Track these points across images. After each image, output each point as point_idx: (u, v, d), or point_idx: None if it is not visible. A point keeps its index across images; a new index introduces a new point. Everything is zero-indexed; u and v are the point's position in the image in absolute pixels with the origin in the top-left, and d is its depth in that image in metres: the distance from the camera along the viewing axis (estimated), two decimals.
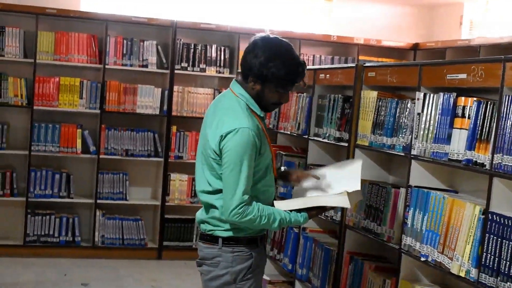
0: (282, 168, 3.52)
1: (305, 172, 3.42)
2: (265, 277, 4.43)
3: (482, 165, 2.86)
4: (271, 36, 3.00)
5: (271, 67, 2.88)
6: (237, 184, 2.88)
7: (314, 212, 3.06)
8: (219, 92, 7.16)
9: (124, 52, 6.93)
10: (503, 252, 2.67)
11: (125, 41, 6.93)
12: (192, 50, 7.12)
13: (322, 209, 3.11)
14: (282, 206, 3.02)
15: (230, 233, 3.02)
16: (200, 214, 3.14)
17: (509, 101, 2.75)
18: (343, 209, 4.06)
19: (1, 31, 6.66)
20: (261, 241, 3.15)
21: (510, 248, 2.65)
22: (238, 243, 3.03)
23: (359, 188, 3.06)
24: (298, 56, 3.03)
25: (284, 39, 3.01)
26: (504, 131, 2.75)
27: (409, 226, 3.33)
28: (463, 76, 3.09)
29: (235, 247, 3.01)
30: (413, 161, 3.33)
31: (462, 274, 2.88)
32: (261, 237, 3.15)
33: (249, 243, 3.05)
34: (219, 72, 7.23)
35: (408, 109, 3.49)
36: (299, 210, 3.01)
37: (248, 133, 2.83)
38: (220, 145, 2.88)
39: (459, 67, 3.16)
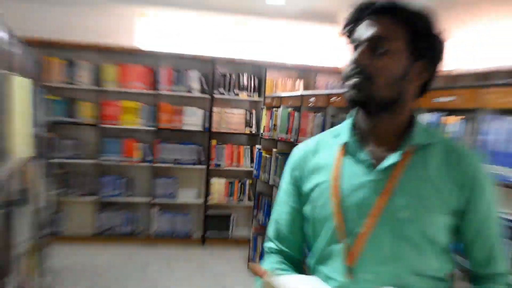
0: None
1: None
2: None
3: None
4: None
5: None
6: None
7: None
8: (250, 113, 7.44)
9: (173, 80, 7.12)
10: None
11: (174, 72, 7.12)
12: (228, 79, 7.30)
13: None
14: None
15: None
16: None
17: (487, 120, 2.53)
18: None
19: (75, 65, 6.83)
20: None
21: None
22: None
23: None
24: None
25: None
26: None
27: None
28: (449, 99, 2.87)
29: None
30: None
31: None
32: None
33: None
34: (250, 96, 7.39)
35: None
36: None
37: (294, 150, 1.76)
38: None
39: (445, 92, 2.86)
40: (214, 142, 7.34)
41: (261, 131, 6.53)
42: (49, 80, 6.77)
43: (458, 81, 5.70)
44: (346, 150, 1.59)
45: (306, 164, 1.65)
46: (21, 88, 2.36)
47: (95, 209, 7.14)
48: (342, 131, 1.63)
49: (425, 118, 2.96)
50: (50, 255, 5.49)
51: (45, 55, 6.79)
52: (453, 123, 2.87)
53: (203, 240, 7.39)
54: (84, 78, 6.95)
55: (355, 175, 1.54)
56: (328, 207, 1.54)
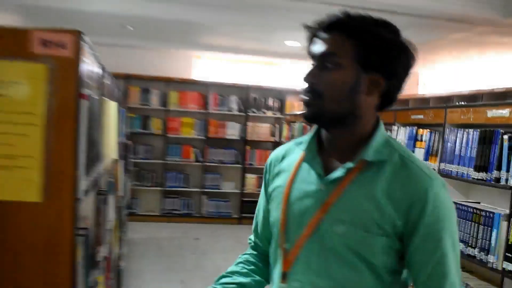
0: None
1: None
2: None
3: None
4: None
5: None
6: None
7: None
8: (274, 126, 7.30)
9: (219, 103, 7.11)
10: None
11: (219, 97, 7.12)
12: (258, 101, 7.27)
13: None
14: None
15: None
16: None
17: (449, 132, 2.59)
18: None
19: (148, 91, 6.93)
20: None
21: None
22: None
23: None
24: None
25: None
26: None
27: None
28: (421, 116, 2.87)
29: None
30: None
31: None
32: None
33: None
34: (274, 114, 7.32)
35: None
36: None
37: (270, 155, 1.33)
38: None
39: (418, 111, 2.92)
40: (248, 147, 7.30)
41: (283, 139, 6.58)
42: (129, 102, 6.83)
43: (428, 103, 5.63)
44: (305, 158, 1.19)
45: (274, 168, 1.27)
46: (111, 109, 2.44)
47: (161, 196, 7.11)
48: (306, 139, 1.21)
49: (402, 131, 3.02)
50: (127, 230, 5.46)
51: (128, 85, 6.92)
52: (424, 134, 2.91)
53: (240, 220, 7.31)
54: (154, 101, 7.01)
55: (306, 183, 1.16)
56: (278, 211, 1.19)
